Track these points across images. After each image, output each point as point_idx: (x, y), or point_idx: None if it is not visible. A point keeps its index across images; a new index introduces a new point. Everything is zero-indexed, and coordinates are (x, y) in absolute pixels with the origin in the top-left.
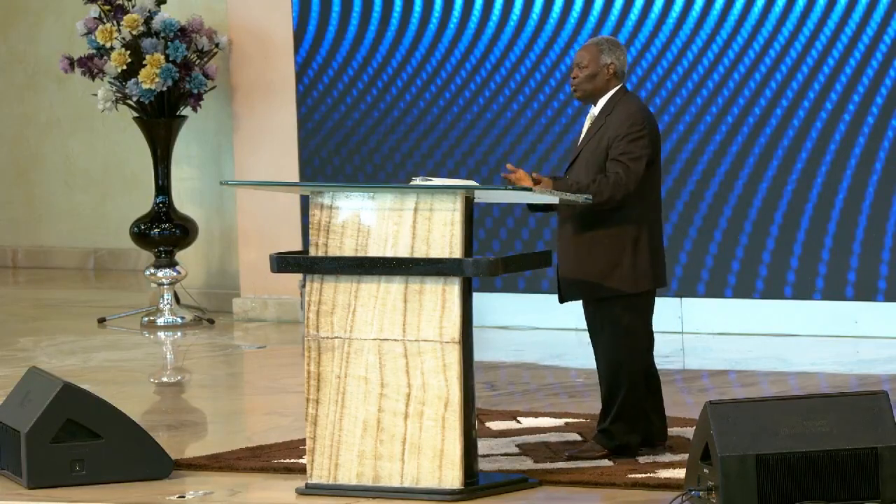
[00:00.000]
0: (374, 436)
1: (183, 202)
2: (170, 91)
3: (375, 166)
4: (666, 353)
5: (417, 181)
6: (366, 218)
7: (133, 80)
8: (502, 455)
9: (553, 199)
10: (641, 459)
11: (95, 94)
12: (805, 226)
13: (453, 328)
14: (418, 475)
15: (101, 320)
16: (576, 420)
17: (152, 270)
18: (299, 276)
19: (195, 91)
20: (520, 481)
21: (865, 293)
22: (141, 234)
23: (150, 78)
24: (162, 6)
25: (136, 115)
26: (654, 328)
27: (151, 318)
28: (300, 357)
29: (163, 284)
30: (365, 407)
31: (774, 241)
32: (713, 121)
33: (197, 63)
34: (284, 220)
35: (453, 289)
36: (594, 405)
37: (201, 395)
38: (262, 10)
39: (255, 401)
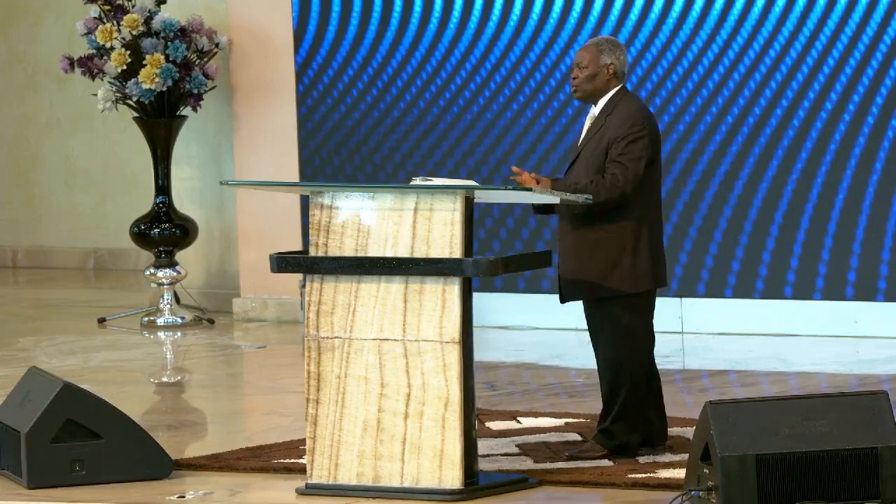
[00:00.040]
0: (374, 436)
1: (183, 202)
2: (170, 91)
3: (375, 166)
4: (666, 353)
5: (417, 181)
6: (366, 218)
7: (133, 80)
8: (502, 455)
9: (554, 199)
10: (641, 459)
11: (95, 94)
12: (805, 226)
13: (453, 328)
14: (418, 475)
15: (101, 320)
16: (576, 420)
17: (152, 270)
18: (299, 276)
19: (195, 91)
20: (520, 481)
21: (865, 293)
22: (141, 234)
23: (150, 78)
24: (162, 6)
25: (136, 115)
26: (654, 328)
27: (151, 318)
28: (300, 357)
29: (163, 284)
30: (365, 407)
31: (774, 241)
32: (713, 121)
33: (197, 63)
34: (284, 220)
35: (453, 289)
36: (594, 405)
37: (201, 395)
38: (262, 10)
39: (255, 401)
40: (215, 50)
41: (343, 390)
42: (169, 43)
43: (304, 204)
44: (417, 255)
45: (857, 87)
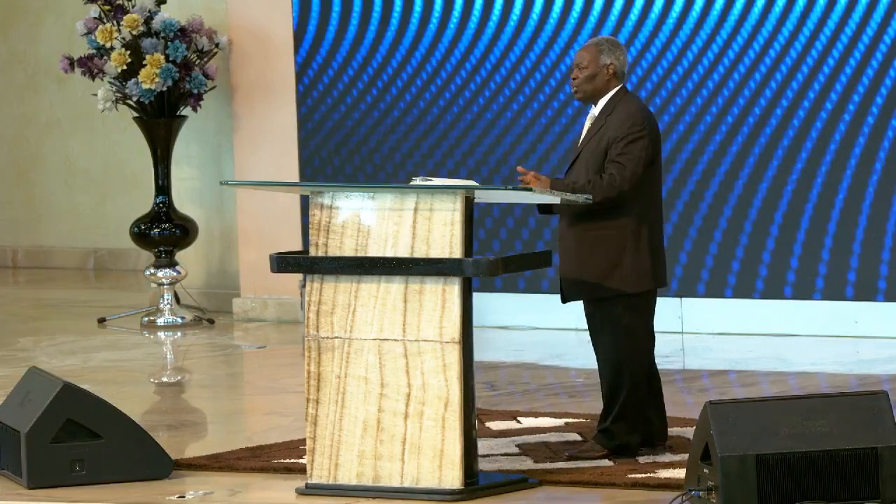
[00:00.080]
0: (374, 436)
1: (183, 202)
2: (170, 91)
3: (375, 166)
4: (666, 353)
5: (417, 181)
6: (366, 218)
7: (133, 80)
8: (502, 455)
9: (554, 199)
10: (641, 459)
11: (95, 94)
12: (805, 226)
13: (453, 328)
14: (418, 475)
15: (101, 320)
16: (576, 420)
17: (152, 270)
18: (299, 276)
19: (195, 91)
20: (520, 481)
21: (865, 293)
22: (141, 234)
23: (150, 78)
24: (162, 6)
25: (136, 115)
26: (655, 328)
27: (151, 318)
28: (300, 357)
29: (163, 284)
30: (365, 407)
31: (774, 241)
32: (713, 121)
33: (197, 63)
34: (284, 220)
35: (453, 289)
36: (594, 405)
37: (201, 395)
38: (262, 10)
39: (255, 401)
40: (215, 50)
41: (343, 390)
42: (169, 43)
43: (304, 204)
44: (417, 255)
45: (857, 87)
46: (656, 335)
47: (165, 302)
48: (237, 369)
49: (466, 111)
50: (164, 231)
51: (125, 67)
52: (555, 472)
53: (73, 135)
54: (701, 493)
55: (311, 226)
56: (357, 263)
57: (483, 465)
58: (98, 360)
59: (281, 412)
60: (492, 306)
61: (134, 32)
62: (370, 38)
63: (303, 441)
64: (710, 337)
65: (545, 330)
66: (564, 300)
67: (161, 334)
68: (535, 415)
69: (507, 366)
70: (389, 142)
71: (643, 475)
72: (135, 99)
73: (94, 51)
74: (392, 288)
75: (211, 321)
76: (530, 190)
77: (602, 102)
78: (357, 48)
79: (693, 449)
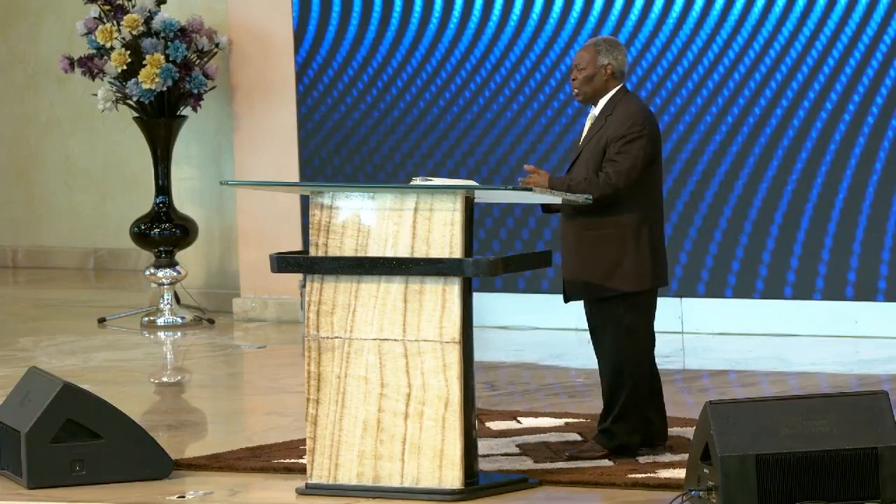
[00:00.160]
0: (374, 436)
1: (183, 202)
2: (170, 91)
3: (375, 166)
4: (666, 353)
5: (417, 181)
6: (366, 218)
7: (133, 80)
8: (502, 455)
9: (555, 199)
10: (641, 459)
11: (95, 94)
12: (805, 226)
13: (453, 328)
14: (418, 475)
15: (101, 320)
16: (576, 420)
17: (152, 270)
18: (299, 276)
19: (195, 91)
20: (520, 481)
21: (865, 293)
22: (141, 234)
23: (150, 78)
24: (162, 6)
25: (136, 115)
26: (655, 328)
27: (151, 318)
28: (300, 357)
29: (163, 284)
30: (365, 407)
31: (774, 241)
32: (713, 121)
33: (197, 63)
34: (284, 220)
35: (453, 289)
36: (594, 405)
37: (201, 395)
38: (262, 10)
39: (255, 401)
40: (215, 50)
41: (343, 390)
42: (169, 43)
43: (304, 204)
44: (417, 255)
45: (857, 87)
46: (656, 335)
47: (165, 302)
48: (237, 369)
49: (466, 111)
50: (164, 231)
51: (125, 67)
52: (555, 472)
53: (73, 135)
54: (701, 493)
55: (311, 226)
56: (357, 263)
57: (483, 465)
58: (98, 360)
59: (281, 412)
60: (492, 306)
61: (134, 32)
62: (370, 38)
63: (303, 441)
64: (710, 337)
65: (545, 330)
66: (567, 300)
67: (161, 334)
68: (535, 415)
69: (507, 366)
70: (389, 142)
71: (643, 475)
72: (135, 99)
73: (94, 51)
74: (392, 288)
75: (211, 321)
76: (530, 190)
77: (602, 103)
78: (357, 48)
79: (693, 449)
